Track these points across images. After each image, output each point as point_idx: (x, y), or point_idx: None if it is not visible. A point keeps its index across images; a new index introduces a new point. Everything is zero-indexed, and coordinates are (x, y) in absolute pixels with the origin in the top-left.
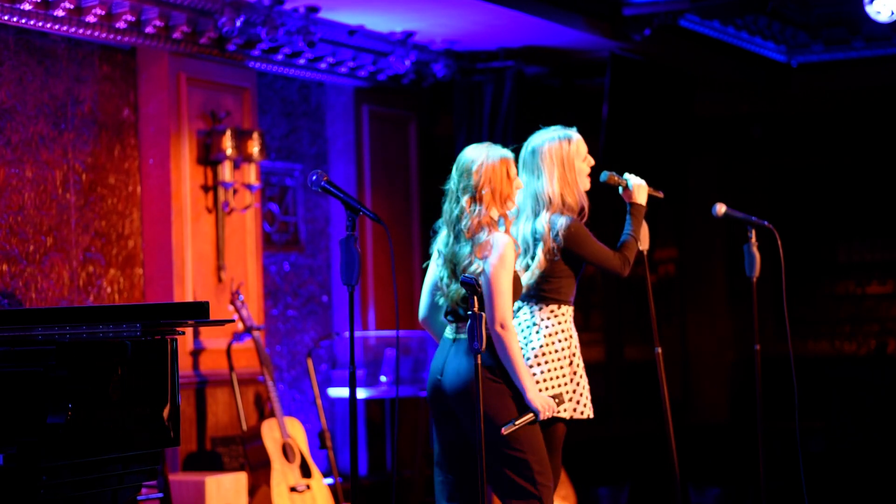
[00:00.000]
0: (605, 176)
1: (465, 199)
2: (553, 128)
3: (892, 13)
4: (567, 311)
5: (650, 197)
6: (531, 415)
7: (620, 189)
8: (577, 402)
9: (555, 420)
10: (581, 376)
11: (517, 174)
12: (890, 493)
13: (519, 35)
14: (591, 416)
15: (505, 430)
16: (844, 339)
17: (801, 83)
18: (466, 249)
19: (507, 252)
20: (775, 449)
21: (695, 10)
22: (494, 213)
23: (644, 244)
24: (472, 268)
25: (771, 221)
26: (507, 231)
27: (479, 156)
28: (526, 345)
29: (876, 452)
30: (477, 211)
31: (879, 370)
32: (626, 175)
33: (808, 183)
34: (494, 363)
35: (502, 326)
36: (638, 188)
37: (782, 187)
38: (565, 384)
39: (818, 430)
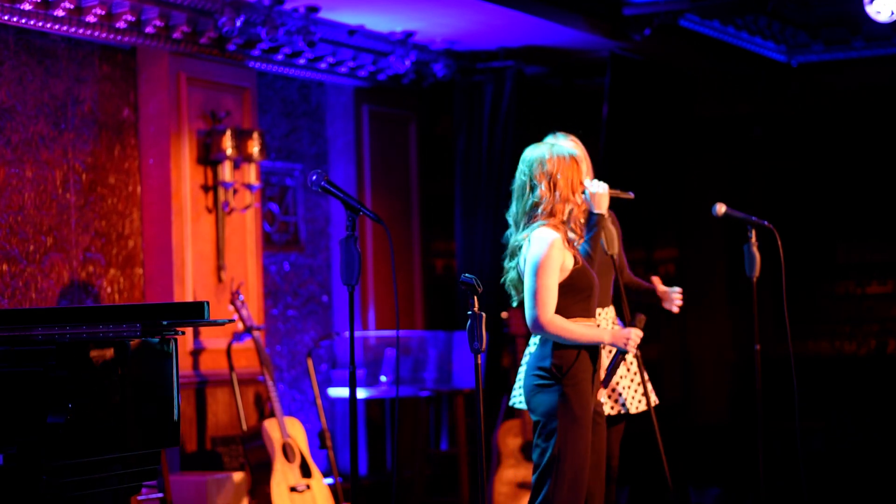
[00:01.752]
0: None
1: (543, 184)
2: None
3: (892, 13)
4: (608, 312)
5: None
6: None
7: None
8: (643, 395)
9: (620, 418)
10: (639, 366)
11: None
12: (890, 493)
13: (519, 35)
14: (657, 401)
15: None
16: (844, 339)
17: (801, 83)
18: (521, 234)
19: (551, 249)
20: (775, 449)
21: (695, 10)
22: (562, 206)
23: (613, 248)
24: (519, 256)
25: (771, 221)
26: (557, 227)
27: (549, 149)
28: None
29: (876, 452)
30: (554, 196)
31: (879, 370)
32: (586, 181)
33: (808, 183)
34: (549, 363)
35: (544, 322)
36: (595, 196)
37: (782, 187)
38: (621, 378)
39: (818, 430)
